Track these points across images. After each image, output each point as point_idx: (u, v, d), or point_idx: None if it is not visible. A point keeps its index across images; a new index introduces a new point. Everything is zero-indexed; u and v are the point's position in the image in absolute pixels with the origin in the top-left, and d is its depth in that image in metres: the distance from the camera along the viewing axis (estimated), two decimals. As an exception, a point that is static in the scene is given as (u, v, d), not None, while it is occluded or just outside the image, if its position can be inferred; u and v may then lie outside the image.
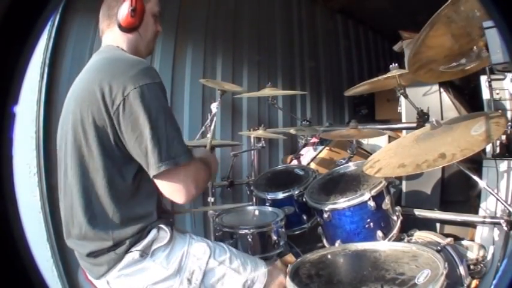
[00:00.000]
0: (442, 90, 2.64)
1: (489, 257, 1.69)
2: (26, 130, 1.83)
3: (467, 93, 2.96)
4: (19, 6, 0.51)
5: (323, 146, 3.00)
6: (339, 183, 1.80)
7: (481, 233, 1.90)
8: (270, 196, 2.08)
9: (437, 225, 2.10)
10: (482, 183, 1.49)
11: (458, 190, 2.45)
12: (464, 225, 2.04)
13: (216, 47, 3.07)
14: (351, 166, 1.90)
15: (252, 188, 2.26)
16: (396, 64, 1.82)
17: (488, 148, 1.98)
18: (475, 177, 1.48)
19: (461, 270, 1.33)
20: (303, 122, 2.71)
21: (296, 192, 2.02)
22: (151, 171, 1.12)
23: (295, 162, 2.98)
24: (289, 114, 3.65)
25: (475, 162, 1.97)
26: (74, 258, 1.32)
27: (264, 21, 3.57)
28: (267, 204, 2.07)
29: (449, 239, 1.50)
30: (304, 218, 2.01)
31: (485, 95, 2.09)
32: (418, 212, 1.92)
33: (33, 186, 1.83)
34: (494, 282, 0.59)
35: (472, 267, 1.56)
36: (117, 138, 1.14)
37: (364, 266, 1.19)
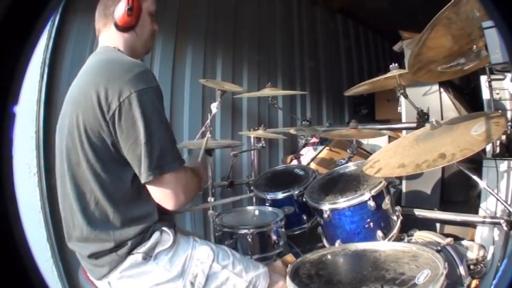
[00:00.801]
0: (442, 90, 2.64)
1: (489, 257, 1.69)
2: (26, 130, 1.83)
3: (467, 93, 2.96)
4: (19, 6, 0.51)
5: (323, 146, 3.00)
6: (339, 183, 1.80)
7: (481, 233, 1.90)
8: (270, 196, 2.08)
9: (437, 225, 2.10)
10: (482, 183, 1.49)
11: (458, 190, 2.45)
12: (464, 225, 2.03)
13: (216, 47, 3.07)
14: (351, 166, 1.90)
15: (252, 188, 2.26)
16: (396, 64, 1.82)
17: (488, 148, 1.99)
18: (475, 177, 1.48)
19: (461, 270, 1.33)
20: (303, 122, 2.71)
21: (296, 192, 2.02)
22: (142, 178, 1.13)
23: (295, 162, 2.98)
24: (289, 114, 3.65)
25: (475, 162, 1.97)
26: (74, 258, 1.32)
27: (264, 21, 3.57)
28: (267, 204, 2.07)
29: (449, 239, 1.50)
30: (304, 218, 2.01)
31: (485, 95, 2.09)
32: (418, 212, 1.92)
33: (33, 186, 1.83)
34: (494, 282, 0.59)
35: (472, 267, 1.56)
36: (114, 142, 1.14)
37: (364, 266, 1.19)
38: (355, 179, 1.74)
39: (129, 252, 1.17)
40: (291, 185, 2.08)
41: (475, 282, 1.52)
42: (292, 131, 2.68)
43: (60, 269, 1.86)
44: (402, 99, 2.43)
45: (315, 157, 2.94)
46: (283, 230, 1.80)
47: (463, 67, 1.43)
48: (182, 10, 2.76)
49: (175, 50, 2.72)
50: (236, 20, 3.27)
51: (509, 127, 1.79)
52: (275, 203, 2.05)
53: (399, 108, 2.64)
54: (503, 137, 1.88)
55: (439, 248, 1.35)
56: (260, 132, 2.56)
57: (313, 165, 2.82)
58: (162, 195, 1.17)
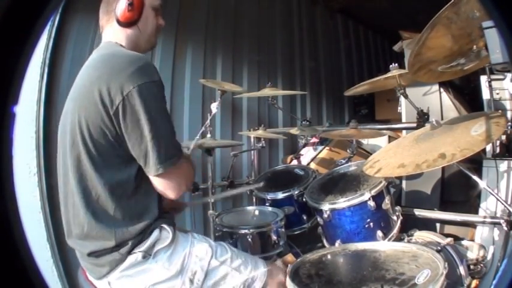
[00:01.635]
0: (442, 90, 2.65)
1: (489, 257, 1.69)
2: (26, 130, 1.83)
3: (467, 93, 2.96)
4: (19, 6, 0.51)
5: (323, 146, 3.00)
6: (339, 183, 1.79)
7: (481, 233, 1.90)
8: (270, 196, 2.08)
9: (437, 225, 2.10)
10: (482, 183, 1.49)
11: (458, 190, 2.45)
12: (464, 225, 2.03)
13: (216, 47, 3.07)
14: (351, 166, 1.90)
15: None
16: (396, 64, 1.82)
17: (488, 148, 1.98)
18: (475, 177, 1.48)
19: (461, 270, 1.33)
20: (303, 122, 2.71)
21: (296, 192, 2.02)
22: (151, 172, 1.15)
23: (295, 162, 2.98)
24: (289, 114, 3.65)
25: (475, 162, 1.97)
26: (74, 258, 1.32)
27: (264, 21, 3.57)
28: (267, 204, 2.07)
29: (449, 239, 1.50)
30: (304, 218, 2.01)
31: (485, 95, 2.09)
32: (418, 212, 1.92)
33: (33, 186, 1.83)
34: (494, 282, 0.59)
35: (472, 267, 1.56)
36: (117, 137, 1.14)
37: (364, 266, 1.19)
38: (355, 179, 1.74)
39: (130, 252, 1.17)
40: (291, 185, 2.08)
41: (475, 282, 1.52)
42: (292, 131, 2.68)
43: (60, 269, 1.87)
44: (402, 99, 2.43)
45: (315, 157, 2.94)
46: (283, 230, 1.80)
47: (463, 67, 1.43)
48: (182, 10, 2.76)
49: (175, 50, 2.72)
50: (236, 20, 3.27)
51: (509, 127, 1.79)
52: (275, 203, 2.04)
53: (399, 108, 2.64)
54: (503, 137, 1.88)
55: (439, 248, 1.35)
56: (260, 132, 2.56)
57: (313, 165, 2.82)
58: (167, 187, 1.20)
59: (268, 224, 1.76)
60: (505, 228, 1.50)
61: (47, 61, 1.90)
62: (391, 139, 2.87)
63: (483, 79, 2.08)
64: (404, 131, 2.58)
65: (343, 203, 1.58)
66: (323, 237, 1.73)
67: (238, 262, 1.30)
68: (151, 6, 1.31)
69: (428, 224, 1.97)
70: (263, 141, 2.77)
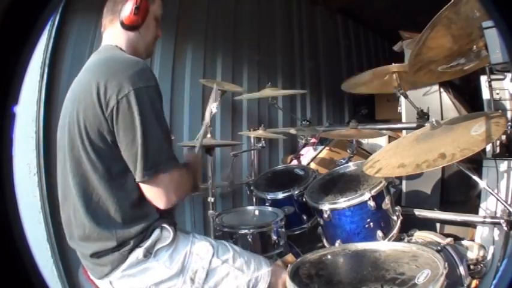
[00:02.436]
0: (442, 90, 2.64)
1: (489, 257, 1.69)
2: (26, 130, 1.83)
3: (467, 93, 2.96)
4: (19, 6, 0.51)
5: (323, 146, 3.00)
6: (339, 183, 1.80)
7: (481, 233, 1.90)
8: (270, 196, 2.08)
9: (437, 225, 2.10)
10: (482, 183, 1.49)
11: (458, 190, 2.45)
12: (464, 225, 2.03)
13: (216, 47, 3.07)
14: (351, 166, 1.90)
15: (252, 188, 2.26)
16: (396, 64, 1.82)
17: (488, 148, 1.98)
18: (475, 177, 1.48)
19: (461, 270, 1.33)
20: (303, 122, 2.71)
21: (296, 192, 2.02)
22: (137, 177, 1.15)
23: (295, 162, 2.97)
24: (289, 114, 3.65)
25: (475, 162, 1.97)
26: (74, 258, 1.32)
27: (264, 21, 3.57)
28: (267, 204, 2.07)
29: (449, 239, 1.50)
30: (304, 218, 2.01)
31: (485, 95, 2.09)
32: (418, 212, 1.92)
33: (33, 186, 1.83)
34: (494, 282, 0.59)
35: (472, 267, 1.56)
36: (113, 139, 1.14)
37: (364, 266, 1.19)
38: (355, 179, 1.74)
39: (131, 251, 1.17)
40: (291, 185, 2.08)
41: (475, 282, 1.52)
42: (292, 131, 2.68)
43: (60, 269, 1.86)
44: (402, 99, 2.43)
45: (315, 157, 2.94)
46: (283, 230, 1.80)
47: (463, 67, 1.43)
48: (182, 10, 2.76)
49: (175, 50, 2.72)
50: (236, 20, 3.27)
51: (509, 127, 1.79)
52: (275, 203, 2.04)
53: (399, 108, 2.64)
54: (503, 137, 1.88)
55: (439, 248, 1.35)
56: (260, 132, 2.56)
57: (313, 165, 2.82)
58: (155, 195, 1.18)
59: (268, 224, 1.76)
60: (505, 228, 1.50)
61: (47, 61, 1.89)
62: (391, 139, 2.87)
63: (483, 79, 2.08)
64: (404, 131, 2.57)
65: (343, 203, 1.59)
66: (323, 237, 1.73)
67: (240, 261, 1.30)
68: (154, 15, 1.34)
69: (428, 224, 1.97)
70: (263, 141, 2.77)
